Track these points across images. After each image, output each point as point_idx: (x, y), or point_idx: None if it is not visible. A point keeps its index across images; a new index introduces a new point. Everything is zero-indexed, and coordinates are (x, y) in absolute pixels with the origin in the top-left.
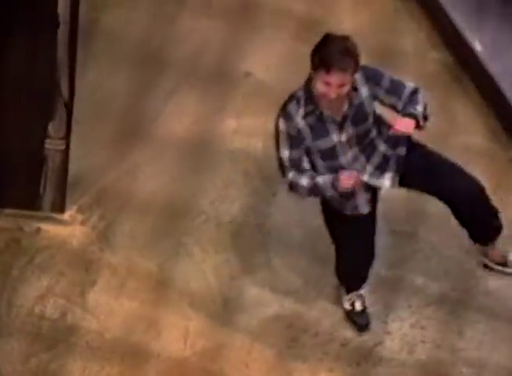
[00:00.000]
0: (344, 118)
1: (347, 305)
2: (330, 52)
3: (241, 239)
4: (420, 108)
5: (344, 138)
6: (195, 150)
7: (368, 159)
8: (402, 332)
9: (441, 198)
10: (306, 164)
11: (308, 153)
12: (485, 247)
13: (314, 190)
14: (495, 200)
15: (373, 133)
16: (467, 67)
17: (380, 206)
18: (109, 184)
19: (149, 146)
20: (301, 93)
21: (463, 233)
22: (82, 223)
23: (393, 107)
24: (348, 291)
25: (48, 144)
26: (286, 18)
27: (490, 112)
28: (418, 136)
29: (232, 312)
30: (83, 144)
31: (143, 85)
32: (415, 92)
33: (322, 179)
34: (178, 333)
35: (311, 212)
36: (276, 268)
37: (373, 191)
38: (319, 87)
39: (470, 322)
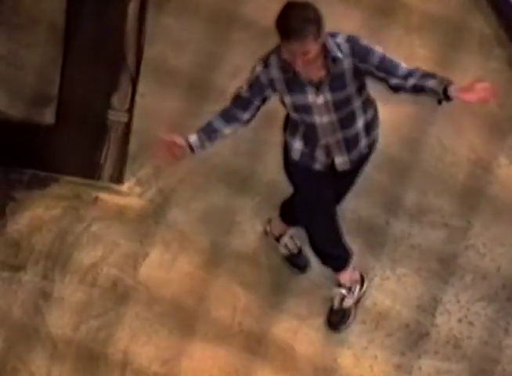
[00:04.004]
0: (321, 82)
1: (283, 250)
2: (288, 20)
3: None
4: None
5: (320, 100)
6: (257, 130)
7: (342, 128)
8: (449, 326)
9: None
10: (240, 114)
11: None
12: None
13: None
14: None
15: (356, 105)
16: None
17: (434, 198)
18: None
19: None
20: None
21: None
22: (140, 195)
23: (385, 81)
24: (286, 222)
25: (112, 115)
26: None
27: None
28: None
29: (281, 295)
30: (146, 117)
31: (209, 62)
32: (415, 70)
33: (205, 129)
34: (227, 311)
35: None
36: None
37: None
38: (285, 55)
39: None
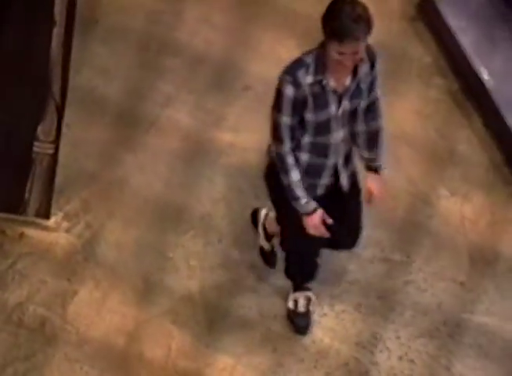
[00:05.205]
0: (346, 91)
1: (290, 304)
2: (342, 22)
3: (229, 259)
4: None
5: (340, 112)
6: (189, 162)
7: (348, 142)
8: (390, 364)
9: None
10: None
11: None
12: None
13: (288, 185)
14: (491, 234)
15: (358, 110)
16: (472, 96)
17: (373, 232)
18: (98, 191)
19: (142, 153)
20: (310, 60)
21: (458, 265)
22: (67, 231)
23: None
24: (295, 289)
25: (37, 147)
26: (290, 24)
27: (493, 144)
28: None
29: (216, 333)
30: (73, 149)
31: (139, 90)
32: (380, 125)
33: (299, 192)
34: (160, 351)
35: None
36: (265, 291)
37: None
38: (333, 55)
39: (460, 357)
